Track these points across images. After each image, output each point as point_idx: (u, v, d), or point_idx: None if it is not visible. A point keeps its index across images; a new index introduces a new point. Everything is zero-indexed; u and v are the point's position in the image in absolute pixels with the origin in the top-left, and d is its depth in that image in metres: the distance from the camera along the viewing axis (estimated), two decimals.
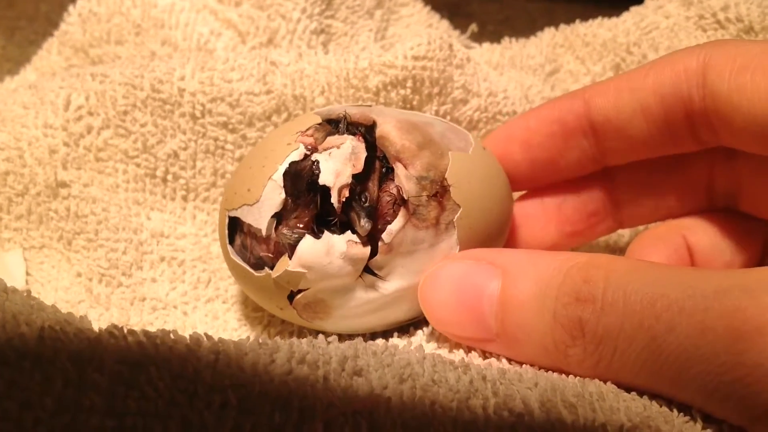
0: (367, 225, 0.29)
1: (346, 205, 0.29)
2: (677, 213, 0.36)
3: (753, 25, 0.42)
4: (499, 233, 0.33)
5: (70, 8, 0.47)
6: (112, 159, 0.38)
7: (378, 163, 0.30)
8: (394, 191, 0.29)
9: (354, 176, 0.29)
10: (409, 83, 0.38)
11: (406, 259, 0.29)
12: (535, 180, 0.35)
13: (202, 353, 0.22)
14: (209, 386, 0.22)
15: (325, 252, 0.28)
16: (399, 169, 0.29)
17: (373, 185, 0.29)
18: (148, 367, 0.22)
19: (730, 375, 0.22)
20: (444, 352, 0.29)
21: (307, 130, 0.30)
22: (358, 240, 0.29)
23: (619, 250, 0.41)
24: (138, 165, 0.38)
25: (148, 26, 0.45)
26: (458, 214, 0.30)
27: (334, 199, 0.28)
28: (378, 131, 0.30)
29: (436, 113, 0.39)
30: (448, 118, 0.39)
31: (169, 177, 0.39)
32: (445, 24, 0.54)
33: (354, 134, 0.30)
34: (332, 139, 0.30)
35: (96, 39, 0.46)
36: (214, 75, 0.38)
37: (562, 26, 0.49)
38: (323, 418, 0.22)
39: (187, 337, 0.23)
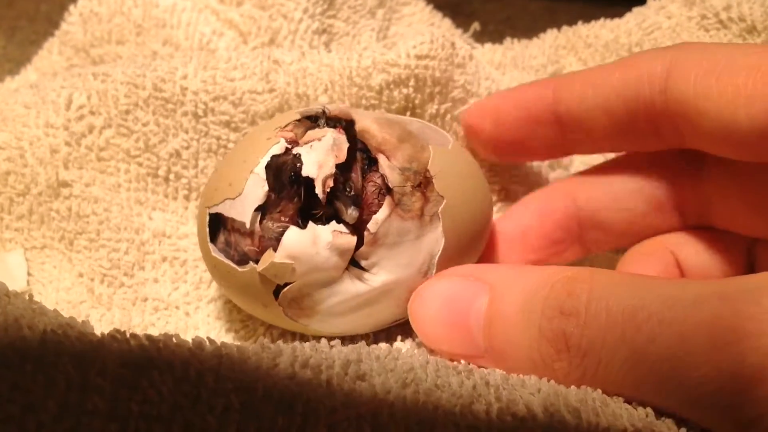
0: (354, 213, 0.29)
1: (331, 195, 0.29)
2: (646, 236, 0.36)
3: (755, 25, 0.42)
4: (482, 232, 0.33)
5: (71, 8, 0.47)
6: (113, 158, 0.38)
7: (359, 154, 0.30)
8: (379, 181, 0.30)
9: (337, 167, 0.29)
10: (412, 82, 0.38)
11: (393, 251, 0.29)
12: (507, 156, 0.36)
13: (204, 357, 0.22)
14: (212, 390, 0.21)
15: (312, 242, 0.28)
16: (382, 159, 0.30)
17: (356, 175, 0.30)
18: (150, 371, 0.21)
19: (712, 385, 0.22)
20: None
21: (287, 126, 0.30)
22: (344, 230, 0.29)
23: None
24: (140, 164, 0.38)
25: (150, 26, 0.45)
26: (442, 205, 0.30)
27: (318, 190, 0.28)
28: (357, 126, 0.30)
29: (437, 112, 0.39)
30: (449, 117, 0.39)
31: (171, 176, 0.38)
32: (447, 23, 0.54)
33: (334, 127, 0.30)
34: (312, 133, 0.30)
35: (97, 39, 0.46)
36: (216, 74, 0.38)
37: (565, 27, 0.49)
38: (326, 422, 0.22)
39: (190, 340, 0.23)
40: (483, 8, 0.66)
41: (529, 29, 0.51)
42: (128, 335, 0.23)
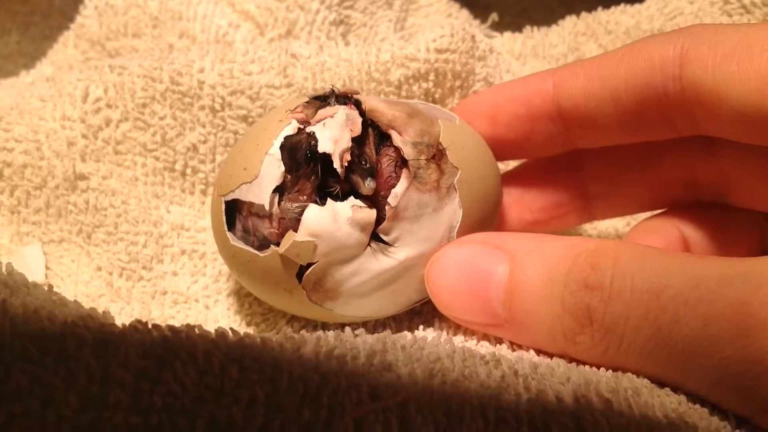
0: (372, 183, 0.29)
1: (347, 170, 0.29)
2: (653, 207, 0.36)
3: None
4: (496, 202, 0.33)
5: (86, 1, 0.47)
6: (130, 152, 0.37)
7: (371, 130, 0.30)
8: (394, 154, 0.30)
9: (351, 142, 0.29)
10: (432, 76, 0.37)
11: (413, 225, 0.29)
12: (501, 155, 0.35)
13: (228, 348, 0.22)
14: (237, 382, 0.21)
15: (332, 218, 0.28)
16: (394, 135, 0.30)
17: (370, 150, 0.30)
18: (173, 363, 0.21)
19: (734, 369, 0.23)
20: (472, 344, 0.29)
21: (296, 108, 0.30)
22: (362, 204, 0.29)
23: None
24: (157, 158, 0.38)
25: (166, 18, 0.45)
26: (458, 176, 0.30)
27: (336, 165, 0.28)
28: (366, 105, 0.30)
29: None
30: None
31: (188, 171, 0.38)
32: (464, 13, 0.53)
33: (344, 104, 0.30)
34: (324, 111, 0.30)
35: (113, 32, 0.46)
36: (234, 67, 0.37)
37: (584, 14, 0.48)
38: (353, 415, 0.21)
39: (213, 331, 0.23)
40: (498, 0, 0.65)
41: (545, 21, 0.50)
42: (150, 326, 0.22)
